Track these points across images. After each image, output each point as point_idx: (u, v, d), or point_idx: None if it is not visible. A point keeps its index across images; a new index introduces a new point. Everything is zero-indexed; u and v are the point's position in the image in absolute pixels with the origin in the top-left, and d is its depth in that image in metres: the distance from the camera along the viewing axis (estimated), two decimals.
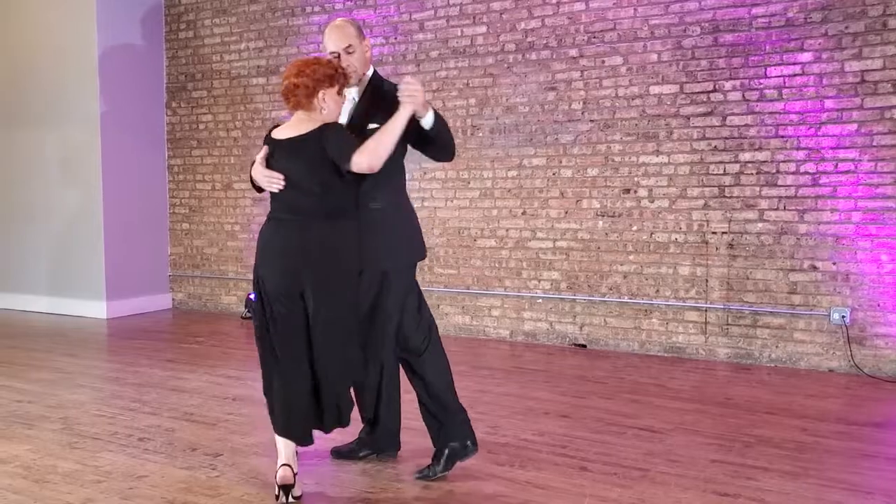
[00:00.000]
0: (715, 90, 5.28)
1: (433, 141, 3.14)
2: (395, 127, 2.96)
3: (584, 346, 5.77)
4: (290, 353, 3.02)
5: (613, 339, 5.68)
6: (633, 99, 5.53)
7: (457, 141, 6.01)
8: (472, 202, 6.15)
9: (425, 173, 6.30)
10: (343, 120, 3.19)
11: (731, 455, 3.50)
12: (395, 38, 6.43)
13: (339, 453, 3.48)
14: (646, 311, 5.56)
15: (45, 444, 3.65)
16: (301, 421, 3.05)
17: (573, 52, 5.72)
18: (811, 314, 5.05)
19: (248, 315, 7.00)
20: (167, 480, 3.20)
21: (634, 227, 5.57)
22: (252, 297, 7.01)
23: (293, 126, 3.06)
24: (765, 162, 5.15)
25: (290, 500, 2.96)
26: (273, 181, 3.02)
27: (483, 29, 6.07)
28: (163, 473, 3.28)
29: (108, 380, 4.93)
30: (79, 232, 7.23)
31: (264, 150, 3.09)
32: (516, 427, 3.90)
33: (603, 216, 5.67)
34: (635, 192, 5.55)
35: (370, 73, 3.26)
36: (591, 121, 5.68)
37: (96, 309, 7.15)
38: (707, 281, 5.35)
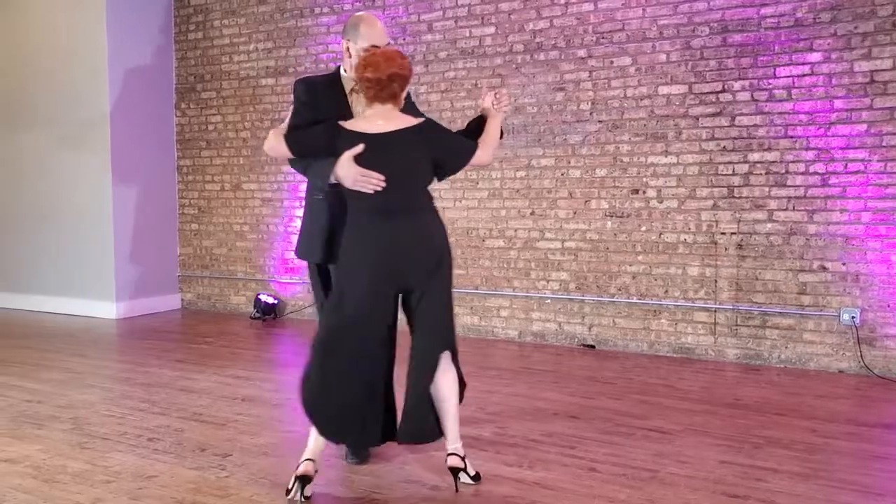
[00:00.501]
0: (724, 90, 5.26)
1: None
2: (497, 131, 3.20)
3: (592, 346, 5.76)
4: (362, 352, 3.01)
5: (622, 340, 5.67)
6: (641, 99, 5.52)
7: None
8: (481, 202, 6.15)
9: None
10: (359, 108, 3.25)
11: (740, 456, 3.49)
12: (404, 39, 6.44)
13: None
14: (655, 311, 5.55)
15: (54, 444, 3.66)
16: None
17: (582, 53, 5.72)
18: (821, 315, 5.03)
19: (258, 315, 7.02)
20: (176, 481, 3.21)
21: (643, 228, 5.56)
22: (261, 297, 7.05)
23: (383, 119, 2.97)
24: (774, 162, 5.13)
25: (301, 498, 2.97)
26: (372, 181, 2.90)
27: (491, 30, 6.06)
28: (172, 474, 3.29)
29: (117, 380, 4.95)
30: (88, 233, 7.26)
31: (358, 147, 2.92)
32: (525, 428, 3.90)
33: (612, 216, 5.66)
34: (644, 192, 5.54)
35: None
36: (600, 121, 5.67)
37: (106, 309, 7.18)
38: (716, 281, 5.34)
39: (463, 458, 3.14)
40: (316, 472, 3.05)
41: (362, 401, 3.05)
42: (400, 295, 3.11)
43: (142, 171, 7.41)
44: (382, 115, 2.99)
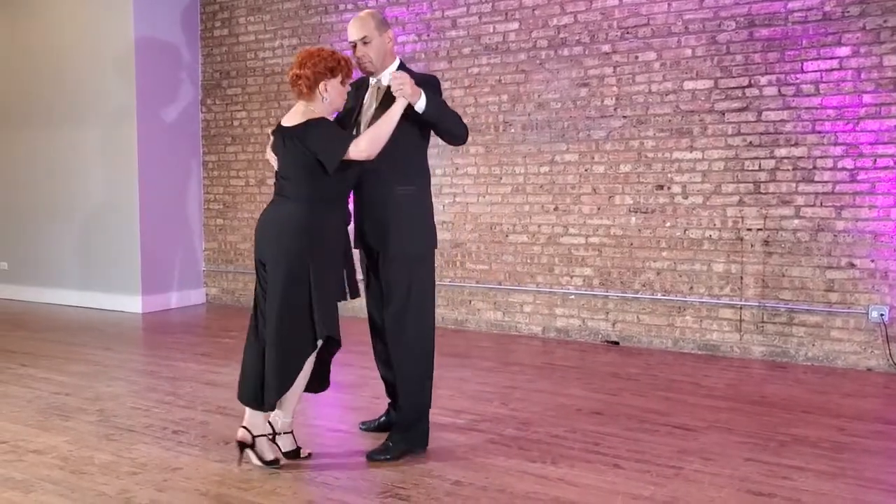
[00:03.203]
0: (750, 85, 5.21)
1: (434, 125, 3.37)
2: (391, 118, 3.21)
3: (616, 343, 5.73)
4: (253, 322, 3.36)
5: (646, 337, 5.63)
6: (666, 94, 5.48)
7: (488, 137, 6.12)
8: (504, 198, 6.14)
9: (457, 169, 6.30)
10: (373, 107, 3.38)
11: (765, 454, 3.46)
12: (428, 35, 6.43)
13: (369, 426, 3.75)
14: (679, 308, 5.51)
15: (81, 436, 3.71)
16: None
17: (606, 48, 5.68)
18: (849, 312, 4.96)
19: None
20: (201, 472, 3.24)
21: (668, 224, 5.52)
22: None
23: (291, 115, 3.28)
24: (801, 158, 5.07)
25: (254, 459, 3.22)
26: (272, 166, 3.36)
27: (515, 25, 6.04)
28: (197, 466, 3.32)
29: (143, 373, 5.00)
30: (115, 228, 7.33)
31: (272, 138, 3.37)
32: (548, 423, 3.88)
33: (636, 212, 5.62)
34: (669, 188, 5.50)
35: (395, 64, 3.43)
36: (624, 117, 5.63)
37: (132, 303, 7.25)
38: (742, 278, 5.29)
39: (254, 438, 3.25)
40: (272, 435, 3.29)
41: (259, 365, 3.28)
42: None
43: (168, 166, 7.47)
44: (294, 110, 3.29)
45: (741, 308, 5.30)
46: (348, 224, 3.41)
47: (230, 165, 7.67)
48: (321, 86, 3.22)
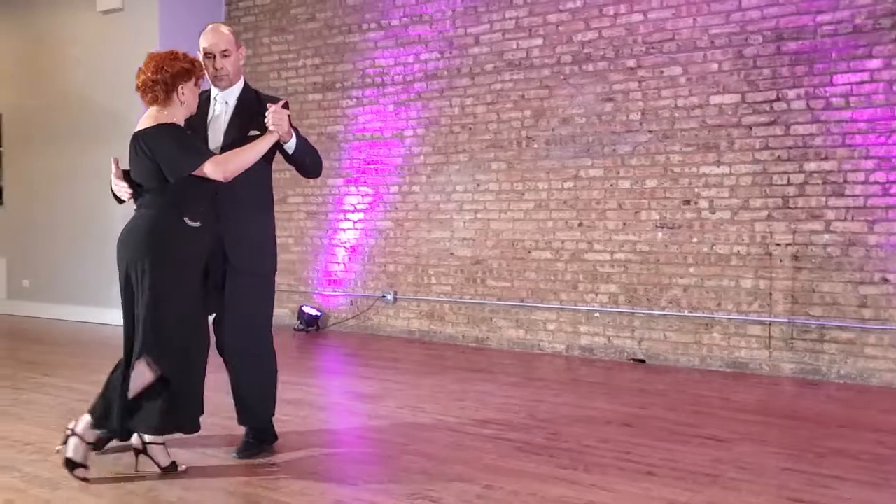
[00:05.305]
0: (778, 99, 5.17)
1: (297, 164, 3.49)
2: (259, 149, 3.20)
3: (642, 361, 5.63)
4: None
5: (673, 354, 5.54)
6: (692, 109, 5.45)
7: (510, 153, 6.10)
8: (527, 214, 6.10)
9: (479, 185, 6.28)
10: (224, 121, 3.36)
11: (803, 464, 3.36)
12: (450, 53, 6.45)
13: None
14: (707, 325, 5.43)
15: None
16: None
17: (631, 63, 5.67)
18: (883, 328, 4.86)
19: (301, 327, 7.01)
20: (228, 473, 3.18)
21: (695, 239, 5.45)
22: (304, 308, 7.05)
23: (143, 121, 3.18)
24: (831, 171, 5.01)
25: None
26: (123, 190, 3.21)
27: (539, 41, 6.05)
28: (223, 467, 3.26)
29: None
30: None
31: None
32: (578, 434, 3.80)
33: (662, 228, 5.57)
34: (696, 203, 5.45)
35: (241, 82, 3.45)
36: (650, 131, 5.60)
37: None
38: (771, 294, 5.20)
39: (144, 445, 3.17)
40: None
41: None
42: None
43: None
44: (148, 114, 3.20)
45: (770, 324, 5.21)
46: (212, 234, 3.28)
47: None
48: (179, 89, 3.14)
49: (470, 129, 6.31)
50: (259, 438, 3.49)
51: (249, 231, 3.39)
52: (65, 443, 3.10)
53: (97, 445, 3.27)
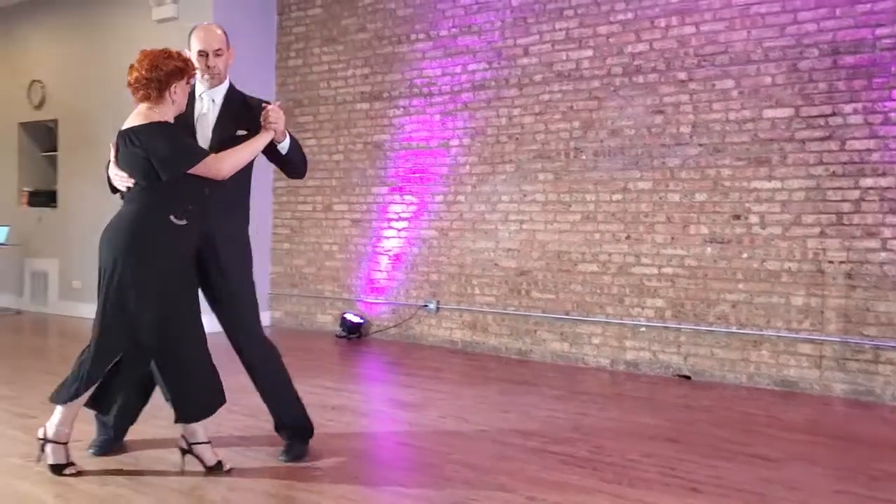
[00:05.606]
0: (834, 114, 5.07)
1: (288, 163, 3.57)
2: (254, 147, 3.28)
3: (688, 377, 5.54)
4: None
5: (720, 371, 5.44)
6: (744, 123, 5.37)
7: (558, 164, 6.08)
8: (574, 225, 6.06)
9: (525, 196, 6.25)
10: (212, 120, 3.39)
11: (856, 486, 3.27)
12: (499, 63, 6.45)
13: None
14: (755, 342, 5.32)
15: (152, 438, 3.71)
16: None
17: (682, 76, 5.61)
18: None
19: (343, 334, 7.04)
20: (271, 475, 3.21)
21: (745, 255, 5.36)
22: (347, 316, 7.08)
23: (133, 118, 3.17)
24: (889, 188, 4.89)
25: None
26: (123, 180, 3.17)
27: (589, 53, 6.02)
28: (265, 470, 3.28)
29: None
30: None
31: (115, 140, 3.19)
32: (622, 448, 3.74)
33: (711, 242, 5.48)
34: (746, 218, 5.35)
35: (227, 82, 3.50)
36: (700, 145, 5.53)
37: None
38: (822, 312, 5.08)
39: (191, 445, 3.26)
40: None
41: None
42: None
43: None
44: (138, 112, 3.18)
45: (822, 343, 5.09)
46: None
47: (298, 191, 7.76)
48: (172, 88, 3.14)
49: (517, 139, 6.30)
50: (299, 437, 3.53)
51: (239, 229, 3.55)
52: (42, 452, 3.16)
53: (103, 448, 3.44)
